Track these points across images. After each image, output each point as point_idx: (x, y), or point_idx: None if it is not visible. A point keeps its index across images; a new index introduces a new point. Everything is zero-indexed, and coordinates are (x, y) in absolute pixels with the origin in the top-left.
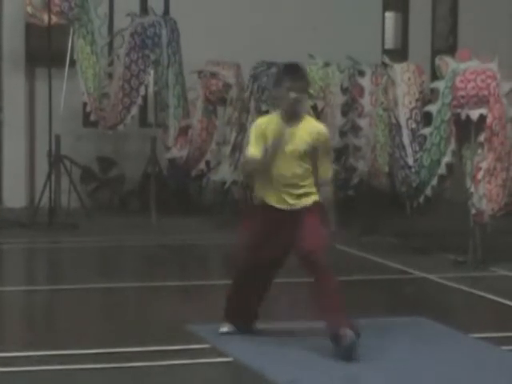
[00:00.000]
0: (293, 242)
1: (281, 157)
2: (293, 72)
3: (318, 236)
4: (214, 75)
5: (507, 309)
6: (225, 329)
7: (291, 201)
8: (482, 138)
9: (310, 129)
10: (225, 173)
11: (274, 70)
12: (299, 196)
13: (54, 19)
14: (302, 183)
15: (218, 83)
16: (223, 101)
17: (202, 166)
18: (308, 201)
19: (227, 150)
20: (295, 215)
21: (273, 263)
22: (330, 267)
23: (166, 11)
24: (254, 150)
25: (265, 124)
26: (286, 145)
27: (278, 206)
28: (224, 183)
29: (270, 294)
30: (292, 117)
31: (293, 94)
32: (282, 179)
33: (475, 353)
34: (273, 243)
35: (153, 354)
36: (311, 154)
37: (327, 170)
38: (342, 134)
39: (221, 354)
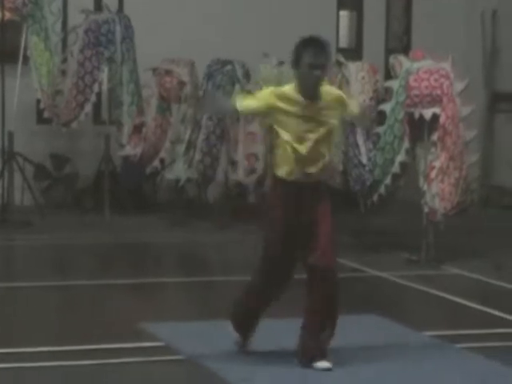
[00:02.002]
0: (309, 223)
1: (302, 138)
2: (314, 46)
3: (332, 249)
4: (168, 73)
5: (460, 307)
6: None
7: (310, 171)
8: (435, 137)
9: (330, 100)
10: (179, 171)
11: (228, 68)
12: (318, 169)
13: (8, 15)
14: (323, 159)
15: (172, 81)
16: (178, 98)
17: (157, 163)
18: (323, 174)
19: (182, 147)
20: (312, 192)
21: (291, 259)
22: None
23: (120, 8)
24: (249, 102)
25: (278, 97)
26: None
27: (295, 179)
28: (178, 181)
29: (228, 293)
30: (313, 94)
31: (316, 72)
32: (304, 157)
33: (428, 350)
34: (292, 223)
35: (106, 351)
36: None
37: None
38: None
39: (174, 352)
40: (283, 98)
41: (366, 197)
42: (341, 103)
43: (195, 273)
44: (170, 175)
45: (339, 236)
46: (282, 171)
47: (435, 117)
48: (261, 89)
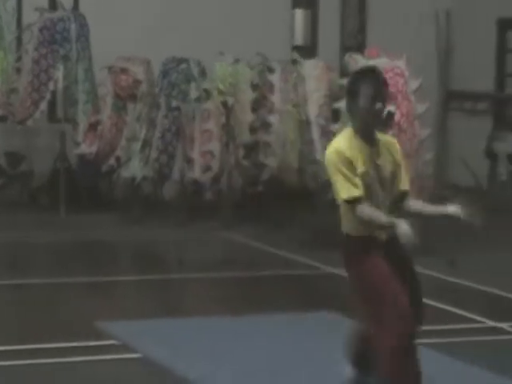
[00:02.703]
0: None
1: (377, 184)
2: (374, 77)
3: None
4: (123, 71)
5: None
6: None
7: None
8: (390, 134)
9: (386, 144)
10: (135, 169)
11: (184, 66)
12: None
13: None
14: (394, 209)
15: (127, 79)
16: (133, 97)
17: (112, 161)
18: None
19: (137, 145)
20: (394, 247)
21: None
22: None
23: (76, 6)
24: (356, 192)
25: (348, 150)
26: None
27: (377, 237)
28: (134, 179)
29: (184, 291)
30: (373, 133)
31: (378, 105)
32: (381, 207)
33: None
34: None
35: (62, 350)
36: (395, 171)
37: (407, 178)
38: (252, 130)
39: (130, 351)
40: (349, 146)
41: (321, 194)
42: (397, 148)
43: (151, 271)
44: (125, 173)
45: (295, 232)
46: None
47: (390, 114)
48: (216, 87)
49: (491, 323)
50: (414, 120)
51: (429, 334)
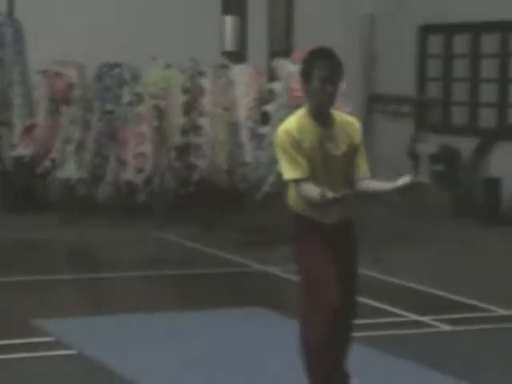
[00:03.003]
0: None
1: (326, 166)
2: (327, 57)
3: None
4: (58, 75)
5: None
6: None
7: (337, 214)
8: None
9: (345, 125)
10: (70, 170)
11: (117, 71)
12: (345, 208)
13: None
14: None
15: (62, 83)
16: (67, 100)
17: (48, 163)
18: (351, 215)
19: (72, 148)
20: (342, 233)
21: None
22: None
23: (11, 12)
24: (299, 173)
25: (297, 131)
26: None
27: (323, 220)
28: (69, 180)
29: (118, 289)
30: (326, 115)
31: (329, 87)
32: (330, 188)
33: None
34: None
35: None
36: (351, 154)
37: (367, 166)
38: (184, 132)
39: (66, 347)
40: (299, 127)
41: (250, 194)
42: (356, 129)
43: (86, 270)
44: (61, 175)
45: (225, 232)
46: None
47: None
48: (149, 91)
49: (414, 317)
50: None
51: (355, 328)
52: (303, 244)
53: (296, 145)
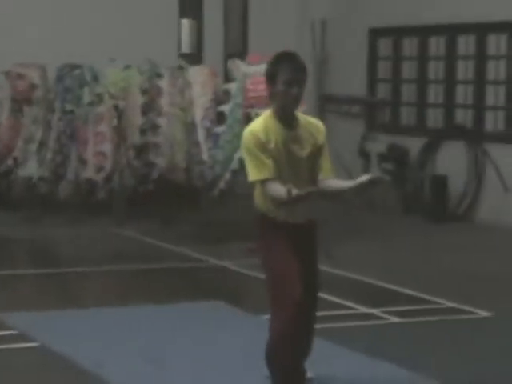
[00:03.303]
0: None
1: (291, 167)
2: (292, 61)
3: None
4: (20, 76)
5: None
6: None
7: (301, 214)
8: None
9: (309, 127)
10: (32, 169)
11: (77, 72)
12: (308, 208)
13: None
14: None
15: (24, 84)
16: (29, 100)
17: (10, 162)
18: (313, 215)
19: (34, 147)
20: (305, 233)
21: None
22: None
23: None
24: (265, 173)
25: (263, 133)
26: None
27: (288, 220)
28: (31, 179)
29: (79, 284)
30: (291, 117)
31: (294, 89)
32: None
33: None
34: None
35: None
36: (315, 155)
37: (330, 167)
38: (142, 132)
39: (28, 340)
40: (265, 129)
41: (207, 191)
42: (321, 131)
43: (48, 265)
44: (23, 173)
45: (183, 228)
46: None
47: None
48: (108, 92)
49: (364, 310)
50: None
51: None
52: (268, 242)
53: (261, 146)
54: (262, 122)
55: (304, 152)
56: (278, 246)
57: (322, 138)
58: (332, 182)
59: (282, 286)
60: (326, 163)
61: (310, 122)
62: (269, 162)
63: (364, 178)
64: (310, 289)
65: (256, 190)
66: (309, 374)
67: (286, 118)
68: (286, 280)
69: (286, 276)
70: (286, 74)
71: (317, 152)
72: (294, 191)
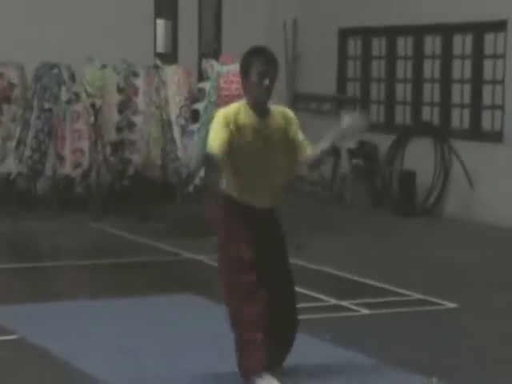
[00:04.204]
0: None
1: (261, 152)
2: (264, 55)
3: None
4: None
5: None
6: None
7: (269, 198)
8: None
9: (279, 115)
10: (10, 165)
11: (55, 71)
12: (276, 194)
13: None
14: (279, 179)
15: (3, 83)
16: (8, 99)
17: None
18: (277, 202)
19: (12, 144)
20: (269, 218)
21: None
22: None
23: None
24: (217, 150)
25: (233, 114)
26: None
27: (254, 204)
28: (9, 175)
29: (57, 277)
30: (263, 107)
31: (266, 81)
32: (262, 175)
33: None
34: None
35: None
36: (286, 142)
37: (306, 142)
38: (119, 129)
39: (7, 333)
40: (236, 112)
41: (182, 187)
42: (290, 117)
43: (26, 259)
44: (1, 169)
45: (158, 223)
46: None
47: None
48: (85, 90)
49: (334, 301)
50: None
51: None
52: (228, 231)
53: (226, 123)
54: (236, 106)
55: (274, 138)
56: (238, 235)
57: (293, 123)
58: (315, 149)
59: (239, 275)
60: (302, 142)
61: (279, 110)
62: (225, 141)
63: (346, 120)
64: (282, 273)
65: (224, 174)
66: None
67: (259, 108)
68: (243, 269)
69: (243, 265)
70: (259, 66)
71: (286, 138)
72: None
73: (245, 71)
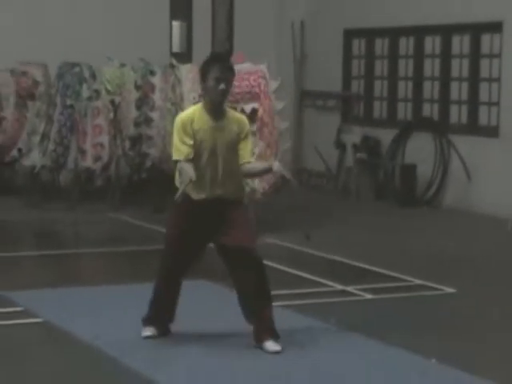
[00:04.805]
0: (218, 236)
1: (214, 151)
2: (221, 62)
3: (252, 232)
4: (24, 73)
5: (275, 271)
6: (148, 333)
7: (221, 192)
8: (254, 127)
9: (234, 120)
10: (35, 159)
11: (77, 69)
12: (232, 189)
13: None
14: (235, 177)
15: (27, 81)
16: (33, 96)
17: (15, 152)
18: (238, 195)
19: (37, 138)
20: (224, 208)
21: (191, 260)
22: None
23: None
24: (182, 151)
25: (189, 119)
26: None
27: (206, 198)
28: (34, 168)
29: (78, 264)
30: (219, 109)
31: (222, 85)
32: (215, 174)
33: None
34: (198, 237)
35: None
36: (236, 145)
37: (250, 152)
38: (137, 124)
39: (32, 316)
40: (192, 117)
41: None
42: (244, 124)
43: (49, 247)
44: (26, 162)
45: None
46: None
47: (254, 111)
48: (105, 88)
49: (340, 287)
50: (275, 115)
51: (288, 297)
52: (175, 220)
53: (185, 130)
54: (192, 112)
55: (226, 140)
56: (181, 228)
57: (245, 129)
58: (251, 165)
59: (168, 261)
60: (245, 149)
61: (236, 116)
62: (188, 145)
63: (278, 167)
64: (245, 250)
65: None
66: (276, 348)
67: (214, 110)
68: (174, 257)
69: (176, 254)
70: (216, 72)
71: (238, 142)
72: (182, 187)
73: (203, 76)
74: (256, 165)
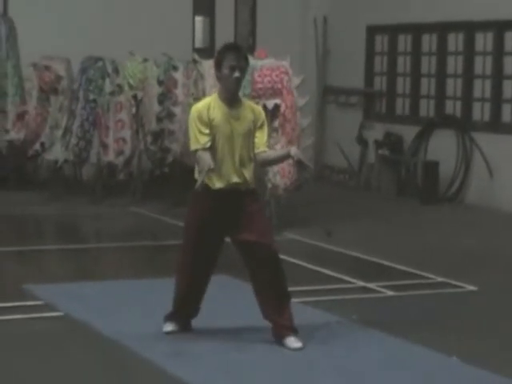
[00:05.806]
0: (235, 230)
1: (230, 139)
2: (235, 51)
3: (269, 228)
4: (47, 68)
5: (296, 267)
6: (169, 328)
7: (238, 181)
8: (276, 123)
9: (250, 108)
10: (57, 153)
11: (99, 64)
12: (248, 178)
13: None
14: (251, 165)
15: (50, 75)
16: (55, 90)
17: (38, 146)
18: (253, 185)
19: (59, 133)
20: (241, 201)
21: (210, 254)
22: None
23: (5, 11)
24: (199, 141)
25: (205, 108)
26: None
27: (224, 187)
28: (57, 162)
29: (100, 258)
30: (234, 97)
31: (236, 73)
32: (232, 162)
33: None
34: (215, 230)
35: None
36: (251, 132)
37: (265, 142)
38: (159, 119)
39: (53, 310)
40: (208, 106)
41: None
42: (260, 113)
43: (71, 241)
44: (49, 156)
45: None
46: None
47: (276, 107)
48: (128, 83)
49: (362, 283)
50: (297, 111)
51: (309, 293)
52: (194, 214)
53: (201, 119)
54: (207, 101)
55: (242, 128)
56: (199, 221)
57: (261, 118)
58: (268, 152)
59: (188, 255)
60: (261, 138)
61: (251, 105)
62: (205, 134)
63: (295, 153)
64: (261, 246)
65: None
66: (298, 344)
67: (229, 99)
68: (193, 251)
69: (195, 248)
70: (230, 60)
71: (254, 130)
72: (202, 175)
73: (218, 64)
74: (271, 152)
